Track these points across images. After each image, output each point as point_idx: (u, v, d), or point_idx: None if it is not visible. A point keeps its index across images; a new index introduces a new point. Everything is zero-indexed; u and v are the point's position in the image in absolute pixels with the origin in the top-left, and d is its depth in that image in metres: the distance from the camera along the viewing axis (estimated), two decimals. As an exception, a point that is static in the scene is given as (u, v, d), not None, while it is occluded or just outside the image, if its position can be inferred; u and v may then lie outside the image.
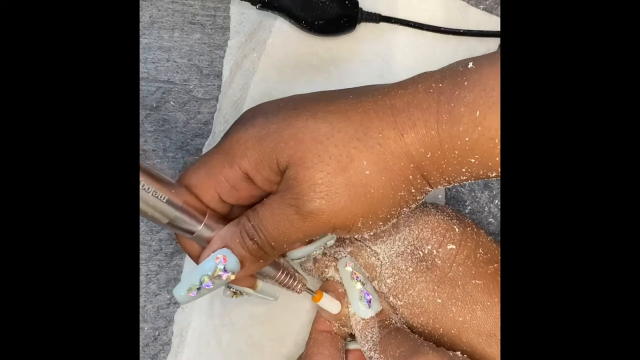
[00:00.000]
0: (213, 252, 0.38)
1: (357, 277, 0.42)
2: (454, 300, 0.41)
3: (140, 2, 0.49)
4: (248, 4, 0.49)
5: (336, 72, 0.50)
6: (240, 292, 0.42)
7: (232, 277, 0.38)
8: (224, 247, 0.38)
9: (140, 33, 0.49)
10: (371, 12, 0.49)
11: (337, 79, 0.50)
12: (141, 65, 0.49)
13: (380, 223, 0.38)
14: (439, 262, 0.42)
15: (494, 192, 0.49)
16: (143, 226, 0.48)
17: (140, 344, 0.47)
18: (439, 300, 0.41)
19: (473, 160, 0.36)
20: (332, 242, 0.42)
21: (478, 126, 0.35)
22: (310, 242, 0.41)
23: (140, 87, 0.49)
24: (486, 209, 0.49)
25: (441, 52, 0.50)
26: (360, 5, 0.49)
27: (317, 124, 0.36)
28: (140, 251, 0.47)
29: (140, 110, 0.48)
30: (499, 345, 0.40)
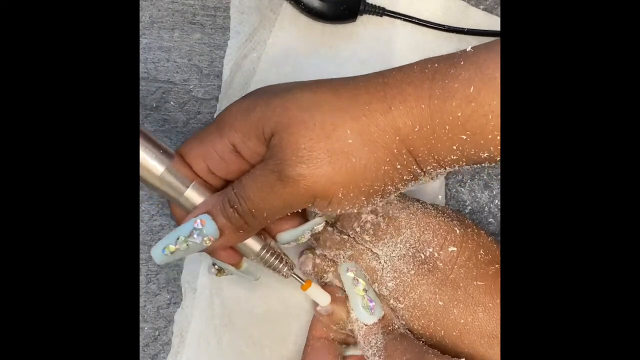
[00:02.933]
0: (194, 217, 0.39)
1: (359, 282, 0.42)
2: (456, 302, 0.41)
3: (140, 2, 0.49)
4: (248, 4, 0.49)
5: (336, 73, 0.50)
6: (224, 270, 0.43)
7: (208, 242, 0.39)
8: (205, 212, 0.39)
9: (140, 33, 0.49)
10: (374, 5, 0.49)
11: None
12: (141, 65, 0.49)
13: (363, 198, 0.38)
14: (441, 264, 0.42)
15: (494, 192, 0.49)
16: (143, 226, 0.48)
17: (140, 344, 0.47)
18: (440, 303, 0.41)
19: (464, 137, 0.36)
20: (320, 226, 0.42)
21: (472, 102, 0.35)
22: (299, 223, 0.42)
23: (140, 87, 0.49)
24: (486, 209, 0.49)
25: (442, 51, 0.50)
26: None
27: (304, 95, 0.37)
28: (140, 251, 0.47)
29: (140, 110, 0.48)
30: None
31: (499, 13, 0.51)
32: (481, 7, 0.51)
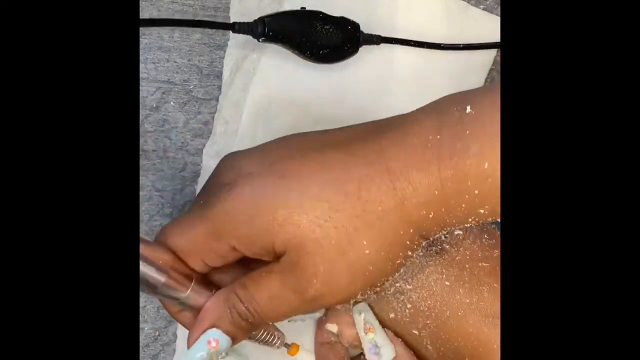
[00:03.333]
0: (202, 332, 0.37)
1: (366, 325, 0.42)
2: (461, 282, 0.41)
3: (140, 2, 0.49)
4: (248, 4, 0.49)
5: (336, 73, 0.50)
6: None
7: (225, 355, 0.37)
8: (213, 326, 0.37)
9: (140, 33, 0.49)
10: (372, 35, 0.49)
11: (338, 79, 0.50)
12: (141, 65, 0.49)
13: (378, 289, 0.39)
14: (447, 246, 0.42)
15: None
16: (143, 226, 0.48)
17: (141, 344, 0.47)
18: (447, 283, 0.41)
19: (482, 211, 0.34)
20: (319, 314, 0.43)
21: (488, 178, 0.33)
22: None
23: (140, 87, 0.49)
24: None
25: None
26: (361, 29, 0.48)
27: (312, 203, 0.34)
28: (141, 251, 0.47)
29: (140, 110, 0.48)
30: None
31: (499, 13, 0.51)
32: (481, 7, 0.51)
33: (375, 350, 0.42)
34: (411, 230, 0.35)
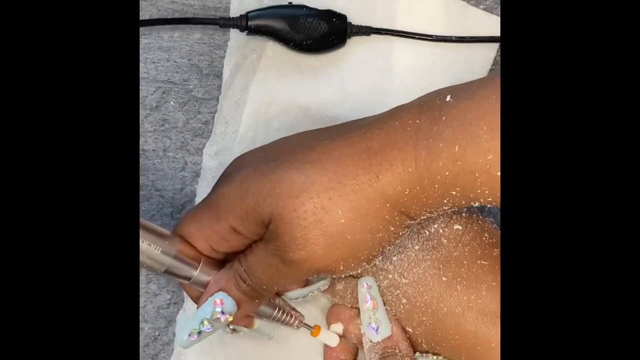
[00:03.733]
0: (210, 296, 0.40)
1: (369, 300, 0.43)
2: (459, 279, 0.41)
3: (140, 2, 0.49)
4: (248, 5, 0.49)
5: (336, 74, 0.50)
6: (238, 330, 0.44)
7: (230, 318, 0.40)
8: (220, 290, 0.40)
9: (140, 33, 0.49)
10: (362, 26, 0.49)
11: (337, 79, 0.50)
12: (141, 65, 0.49)
13: (364, 263, 0.40)
14: (445, 241, 0.42)
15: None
16: (143, 226, 0.48)
17: (141, 344, 0.47)
18: (444, 279, 0.41)
19: (454, 193, 0.36)
20: (325, 287, 0.44)
21: (458, 160, 0.35)
22: (306, 283, 0.44)
23: (140, 87, 0.49)
24: (486, 208, 0.49)
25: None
26: (349, 20, 0.49)
27: (292, 177, 0.38)
28: (141, 251, 0.47)
29: (140, 110, 0.48)
30: None
31: (499, 13, 0.51)
32: (481, 7, 0.52)
33: (374, 325, 0.43)
34: (388, 205, 0.37)
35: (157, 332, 0.48)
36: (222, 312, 0.40)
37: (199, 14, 0.50)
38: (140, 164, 0.48)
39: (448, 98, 0.36)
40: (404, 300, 0.42)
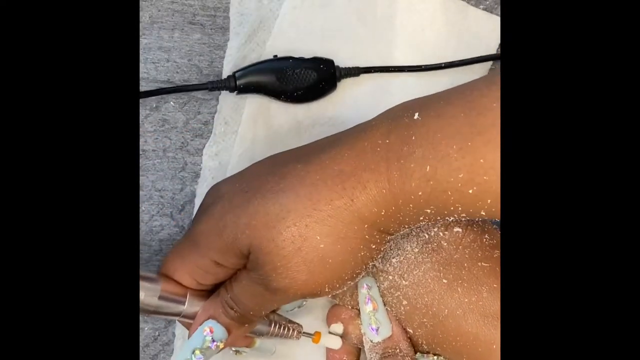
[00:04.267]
0: (200, 325, 0.41)
1: (369, 302, 0.43)
2: (460, 282, 0.41)
3: (140, 2, 0.49)
4: (248, 5, 0.49)
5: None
6: (241, 351, 0.45)
7: (221, 345, 0.41)
8: (209, 318, 0.41)
9: (140, 33, 0.49)
10: (350, 67, 0.49)
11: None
12: (141, 65, 0.49)
13: (349, 282, 0.40)
14: (445, 244, 0.42)
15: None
16: (143, 226, 0.48)
17: (140, 344, 0.47)
18: (444, 281, 0.41)
19: (429, 211, 0.36)
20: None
21: (430, 180, 0.35)
22: None
23: (140, 87, 0.49)
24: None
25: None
26: (337, 64, 0.49)
27: (267, 208, 0.38)
28: (141, 251, 0.47)
29: (140, 110, 0.48)
30: None
31: (499, 13, 0.51)
32: (481, 7, 0.51)
33: (374, 326, 0.43)
34: (366, 226, 0.37)
35: (157, 332, 0.48)
36: (213, 340, 0.40)
37: (198, 13, 0.50)
38: (140, 164, 0.48)
39: (416, 116, 0.36)
40: (404, 302, 0.42)
